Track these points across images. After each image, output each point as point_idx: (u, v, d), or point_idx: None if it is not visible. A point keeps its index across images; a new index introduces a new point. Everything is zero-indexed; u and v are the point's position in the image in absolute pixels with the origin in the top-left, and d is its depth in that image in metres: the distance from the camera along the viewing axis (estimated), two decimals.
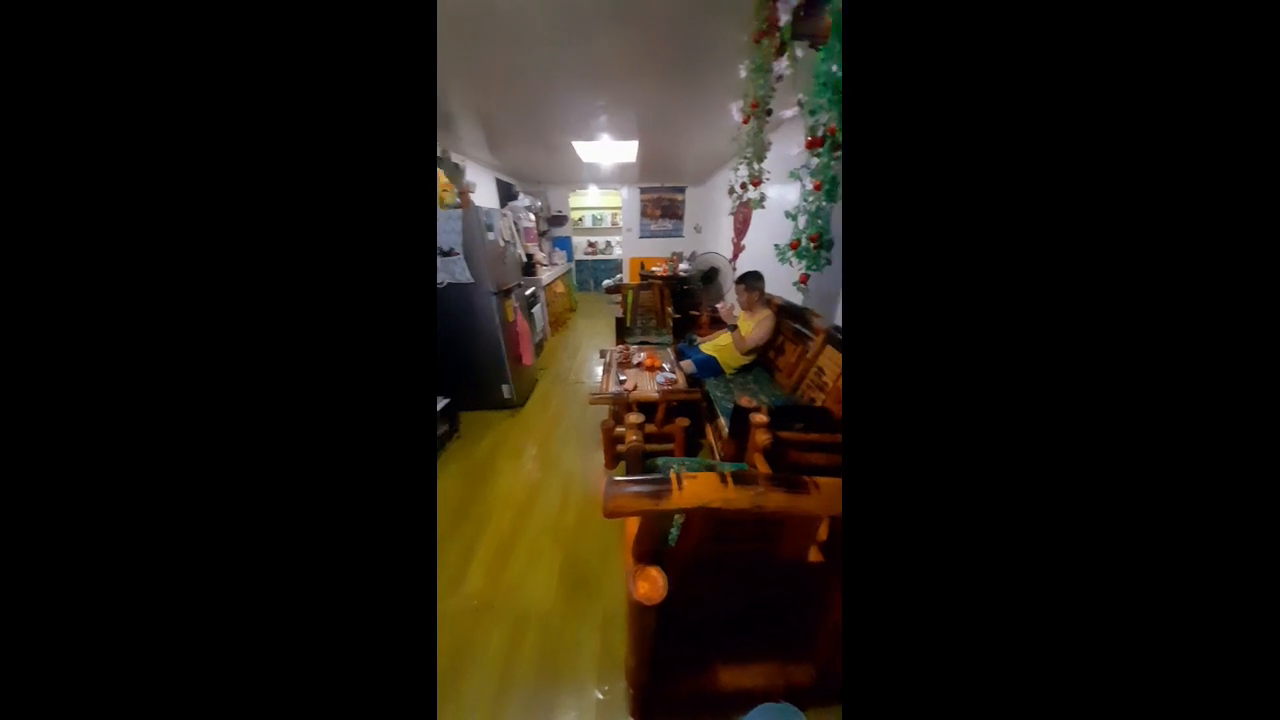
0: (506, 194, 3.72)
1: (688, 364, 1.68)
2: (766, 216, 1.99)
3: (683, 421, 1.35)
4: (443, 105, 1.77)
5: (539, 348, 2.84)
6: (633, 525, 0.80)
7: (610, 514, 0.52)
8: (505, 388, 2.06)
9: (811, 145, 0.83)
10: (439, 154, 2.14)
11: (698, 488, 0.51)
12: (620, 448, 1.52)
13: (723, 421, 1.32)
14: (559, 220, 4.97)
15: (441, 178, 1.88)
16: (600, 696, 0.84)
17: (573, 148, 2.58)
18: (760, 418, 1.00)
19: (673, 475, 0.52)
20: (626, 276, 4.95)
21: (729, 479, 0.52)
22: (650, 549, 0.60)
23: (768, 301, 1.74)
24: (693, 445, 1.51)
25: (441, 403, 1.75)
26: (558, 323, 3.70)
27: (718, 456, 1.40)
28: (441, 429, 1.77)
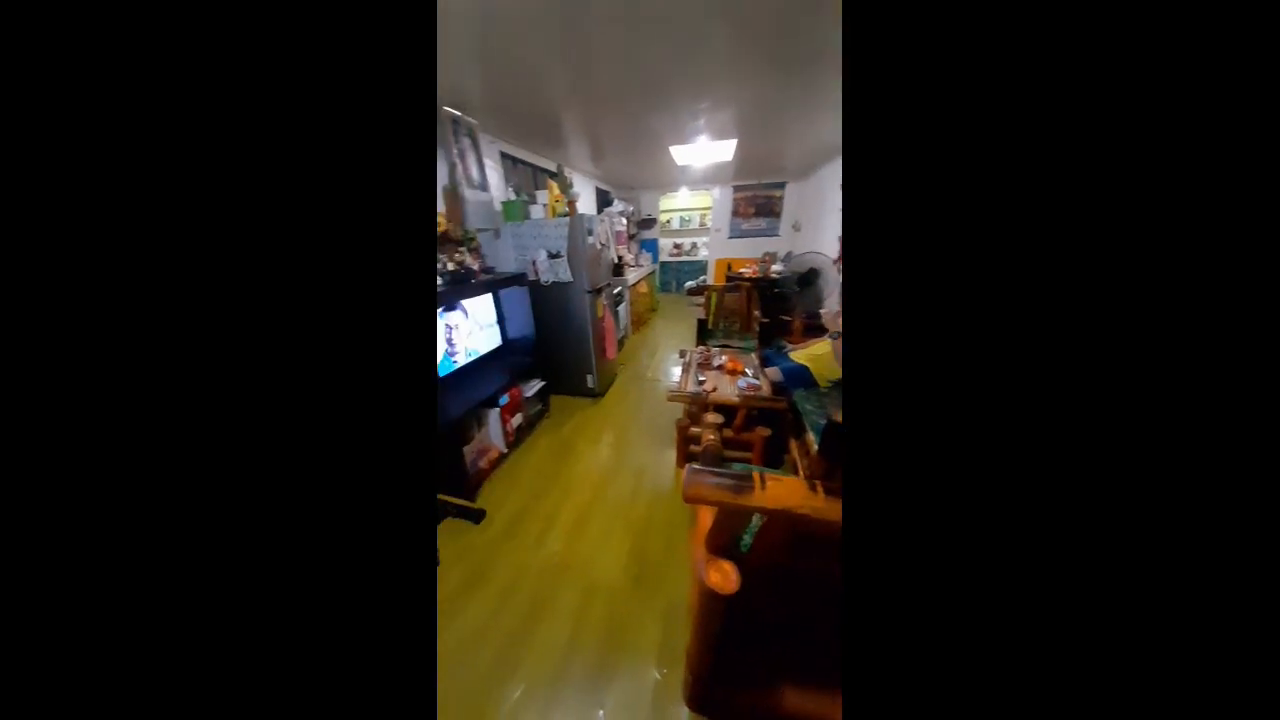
0: (603, 201, 4.04)
1: (774, 371, 1.58)
2: None
3: (763, 431, 1.29)
4: (560, 126, 2.03)
5: (620, 344, 3.02)
6: (705, 518, 0.81)
7: (689, 499, 0.54)
8: (590, 378, 2.25)
9: None
10: (555, 169, 2.45)
11: (782, 490, 0.50)
12: (695, 447, 1.53)
13: (811, 437, 1.22)
14: (648, 223, 5.16)
15: (555, 189, 2.16)
16: (658, 676, 0.88)
17: (669, 152, 2.67)
18: None
19: (755, 475, 0.52)
20: (711, 278, 4.88)
21: (819, 487, 0.49)
22: (724, 543, 0.61)
23: None
24: (773, 459, 1.43)
25: (537, 385, 2.01)
26: (639, 322, 3.87)
27: (801, 474, 1.30)
28: (536, 408, 2.04)
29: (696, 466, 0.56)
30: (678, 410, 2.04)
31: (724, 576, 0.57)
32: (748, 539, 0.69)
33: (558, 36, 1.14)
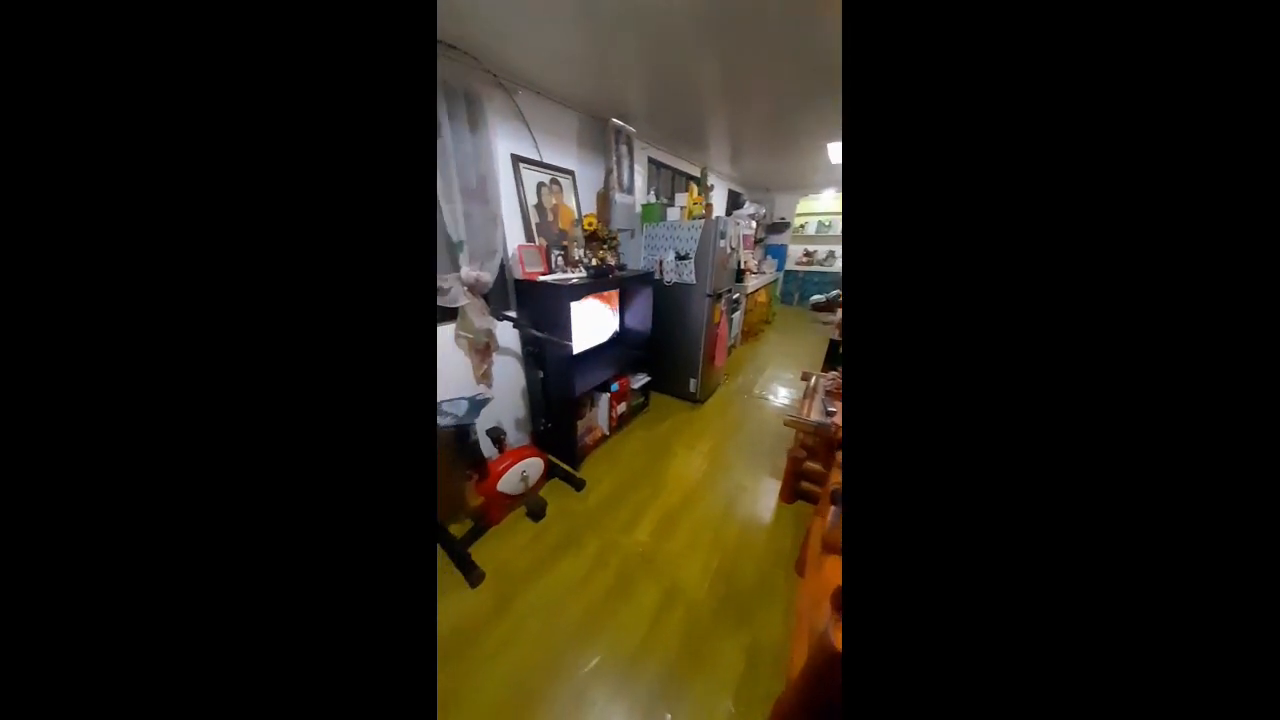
0: (734, 203, 3.92)
1: None
2: None
3: None
4: (708, 128, 2.04)
5: (728, 353, 2.91)
6: (831, 571, 0.70)
7: (830, 547, 0.48)
8: (693, 382, 2.24)
9: None
10: (699, 173, 2.49)
11: None
12: (808, 485, 1.36)
13: None
14: (779, 227, 4.80)
15: (694, 192, 2.20)
16: (732, 710, 0.82)
17: (825, 150, 2.40)
18: None
19: None
20: None
21: None
22: None
23: None
24: None
25: (643, 380, 2.11)
26: (750, 333, 3.65)
27: None
28: (638, 400, 2.15)
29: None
30: (787, 436, 1.85)
31: None
32: None
33: (726, 37, 1.13)
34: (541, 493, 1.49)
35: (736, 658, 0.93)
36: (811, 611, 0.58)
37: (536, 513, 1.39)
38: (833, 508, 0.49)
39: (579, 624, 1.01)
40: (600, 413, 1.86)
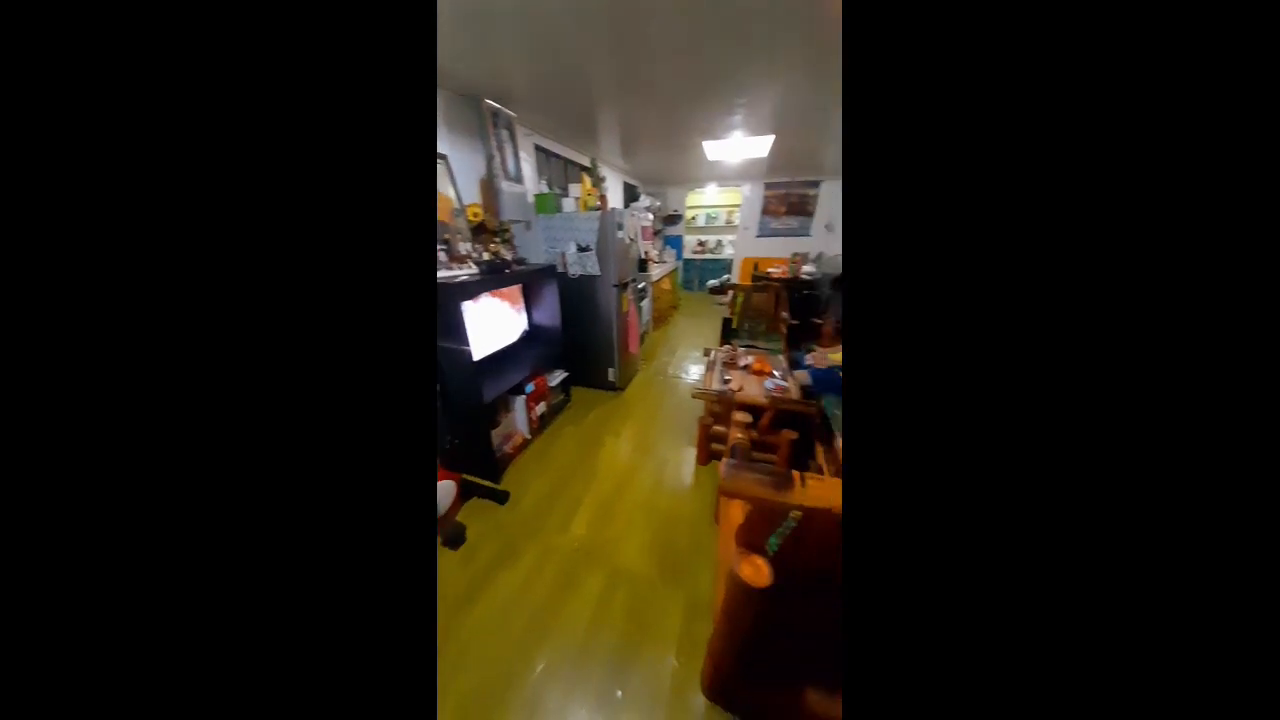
0: (630, 195, 4.04)
1: (804, 375, 1.56)
2: None
3: (790, 434, 1.27)
4: (596, 120, 2.04)
5: (641, 339, 3.03)
6: (735, 514, 0.81)
7: (726, 492, 0.55)
8: (611, 371, 2.28)
9: None
10: (590, 163, 2.47)
11: (824, 490, 0.50)
12: (717, 446, 1.53)
13: (841, 443, 1.20)
14: (674, 219, 5.13)
15: (587, 183, 2.18)
16: (675, 664, 0.89)
17: (701, 147, 2.64)
18: None
19: (795, 474, 0.52)
20: (736, 277, 4.81)
21: None
22: (757, 539, 0.61)
23: None
24: (799, 463, 1.41)
25: (561, 376, 2.06)
26: (660, 319, 3.86)
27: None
28: (559, 397, 2.09)
29: (734, 461, 0.57)
30: (699, 408, 2.04)
31: (756, 570, 0.57)
32: (775, 541, 0.69)
33: (606, 32, 1.15)
34: (460, 516, 1.34)
35: (676, 615, 1.01)
36: (724, 553, 0.67)
37: (453, 540, 1.25)
38: (726, 459, 0.56)
39: (526, 632, 0.97)
40: (518, 417, 1.74)
